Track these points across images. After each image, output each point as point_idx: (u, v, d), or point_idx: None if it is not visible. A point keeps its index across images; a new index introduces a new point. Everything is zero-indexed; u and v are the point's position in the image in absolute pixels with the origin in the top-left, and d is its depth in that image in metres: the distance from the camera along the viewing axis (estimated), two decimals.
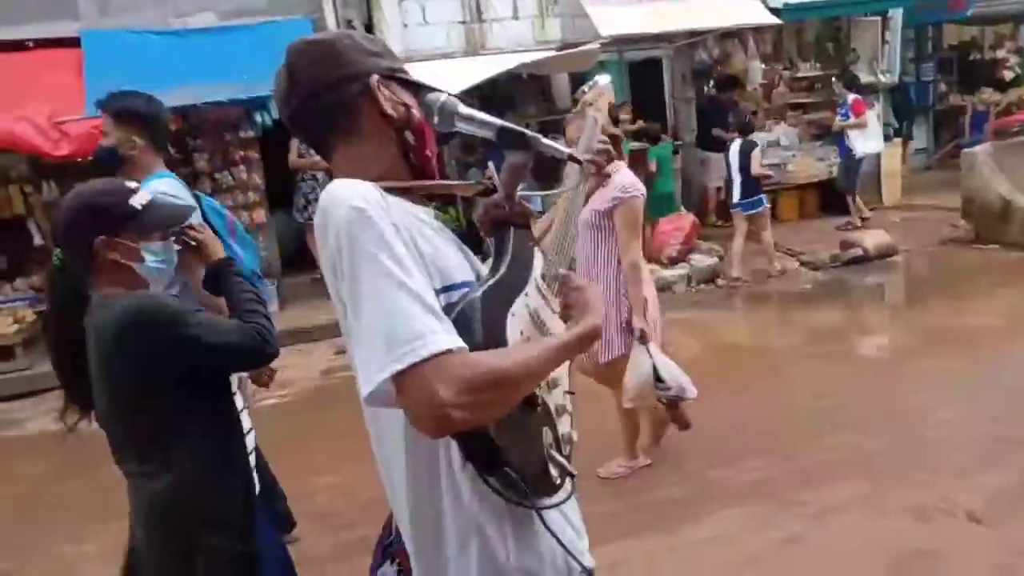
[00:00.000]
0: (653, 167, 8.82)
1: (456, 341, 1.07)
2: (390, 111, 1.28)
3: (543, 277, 1.32)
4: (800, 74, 11.00)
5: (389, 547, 1.42)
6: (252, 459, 2.13)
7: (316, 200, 7.63)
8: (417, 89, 1.32)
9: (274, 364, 2.01)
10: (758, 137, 7.98)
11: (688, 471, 4.06)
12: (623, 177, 3.62)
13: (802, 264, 8.40)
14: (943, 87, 13.19)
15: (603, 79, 1.76)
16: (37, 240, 7.86)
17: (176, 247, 2.14)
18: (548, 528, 1.21)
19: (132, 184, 2.05)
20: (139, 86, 2.97)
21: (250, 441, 2.16)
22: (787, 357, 5.96)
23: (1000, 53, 13.28)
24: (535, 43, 9.25)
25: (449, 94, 1.27)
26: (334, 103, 1.27)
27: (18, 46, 7.47)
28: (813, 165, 10.47)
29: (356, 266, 1.08)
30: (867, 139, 9.61)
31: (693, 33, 9.74)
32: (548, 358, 1.16)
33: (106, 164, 2.79)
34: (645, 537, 3.48)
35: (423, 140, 1.32)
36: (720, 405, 4.82)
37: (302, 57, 1.30)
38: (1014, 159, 8.43)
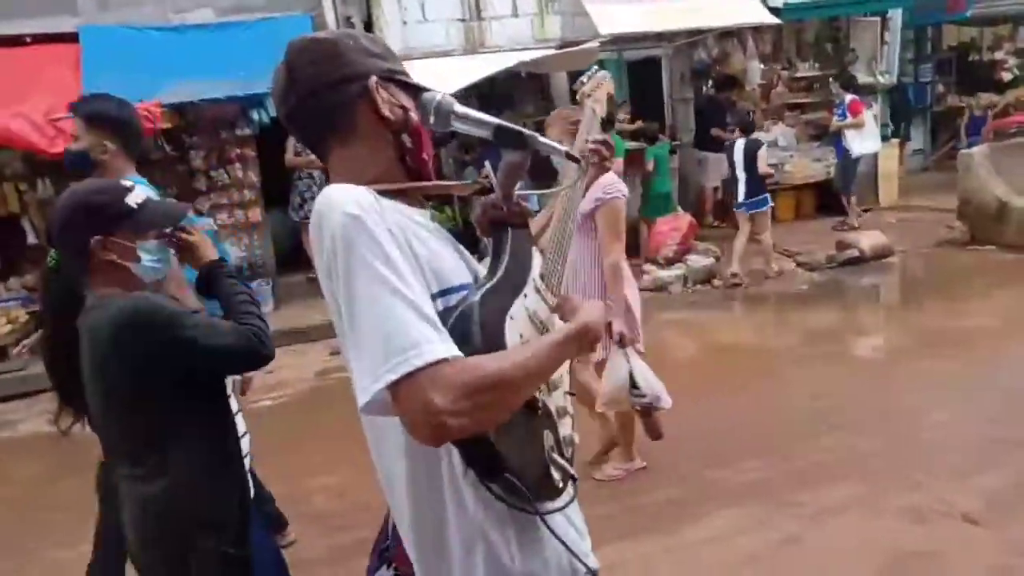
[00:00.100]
0: (650, 167, 8.82)
1: (452, 349, 1.06)
2: (387, 113, 1.27)
3: (542, 277, 1.31)
4: (799, 74, 11.01)
5: (385, 551, 1.41)
6: (247, 462, 2.12)
7: (312, 199, 7.63)
8: (416, 91, 1.31)
9: (269, 365, 1.99)
10: (742, 141, 8.01)
11: (684, 472, 4.05)
12: (605, 177, 3.55)
13: (798, 265, 8.41)
14: (941, 88, 13.21)
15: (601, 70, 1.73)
16: (31, 239, 7.80)
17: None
18: (552, 532, 1.21)
19: (127, 183, 2.03)
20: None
21: (245, 444, 2.14)
22: (783, 358, 5.96)
23: (999, 54, 13.30)
24: (534, 41, 9.24)
25: (444, 94, 1.25)
26: (333, 103, 1.26)
27: (16, 41, 7.45)
28: (810, 166, 10.48)
29: (351, 273, 1.08)
30: (864, 139, 9.62)
31: (693, 32, 9.74)
32: (545, 358, 1.15)
33: (76, 168, 2.75)
34: (641, 539, 3.48)
35: (420, 143, 1.31)
36: (716, 406, 4.83)
37: (303, 55, 1.29)
38: (1011, 160, 8.45)
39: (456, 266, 1.25)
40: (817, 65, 11.02)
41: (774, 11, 9.48)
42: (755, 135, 8.16)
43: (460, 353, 1.07)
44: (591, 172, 1.52)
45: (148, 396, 1.83)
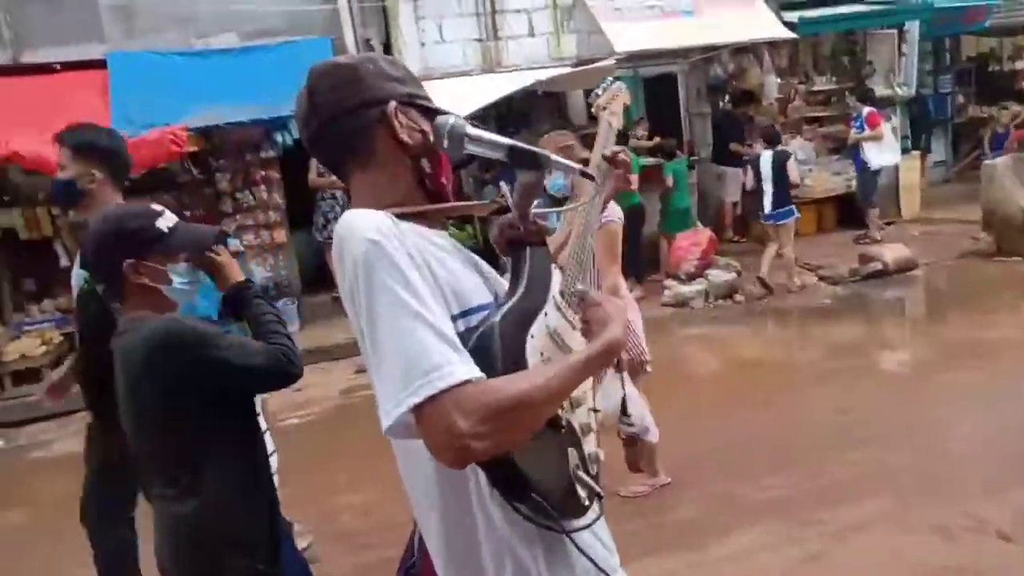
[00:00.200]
0: (669, 182, 8.83)
1: (474, 371, 1.07)
2: (406, 138, 1.28)
3: (562, 294, 1.30)
4: (816, 88, 10.98)
5: (411, 568, 1.42)
6: (276, 480, 2.14)
7: (335, 219, 7.71)
8: (435, 115, 1.31)
9: (296, 383, 2.02)
10: (769, 153, 8.01)
11: (709, 489, 4.03)
12: None
13: (821, 279, 8.35)
14: (961, 99, 13.09)
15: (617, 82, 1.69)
16: (64, 262, 7.93)
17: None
18: (580, 549, 1.22)
19: (158, 207, 2.06)
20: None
21: (274, 462, 2.17)
22: (807, 372, 5.92)
23: (1019, 64, 13.17)
24: (551, 60, 9.31)
25: (458, 116, 1.25)
26: (352, 129, 1.28)
27: (46, 69, 7.63)
28: (830, 179, 10.41)
29: (373, 299, 1.09)
30: (882, 151, 9.55)
31: (708, 48, 9.76)
32: (568, 378, 1.14)
33: (61, 199, 2.73)
34: (666, 555, 3.47)
35: (439, 167, 1.32)
36: (740, 421, 4.80)
37: (324, 80, 1.30)
38: None
39: (476, 286, 1.26)
40: (834, 79, 10.98)
41: (789, 25, 9.47)
42: (780, 147, 8.16)
43: (482, 374, 1.07)
44: (611, 185, 1.51)
45: (180, 416, 1.86)
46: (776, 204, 7.88)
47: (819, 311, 7.53)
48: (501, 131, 1.31)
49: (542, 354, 1.20)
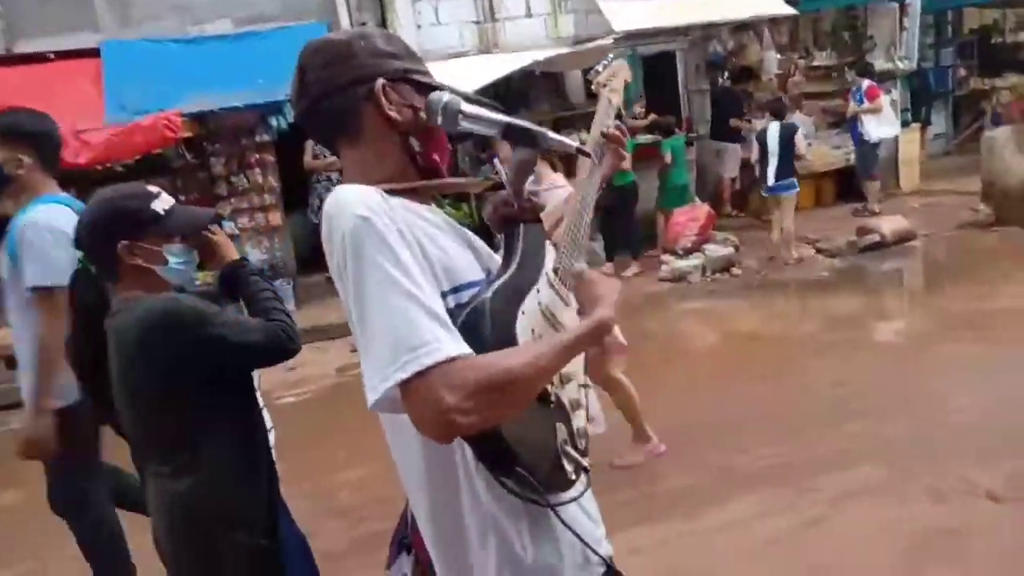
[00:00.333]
0: (667, 159, 8.82)
1: (462, 348, 1.07)
2: (395, 115, 1.26)
3: (555, 271, 1.29)
4: (816, 63, 10.91)
5: (405, 539, 1.43)
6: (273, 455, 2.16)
7: None
8: (430, 90, 1.28)
9: (291, 362, 2.04)
10: (776, 125, 8.01)
11: (704, 459, 4.06)
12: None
13: (819, 251, 8.36)
14: (963, 72, 12.99)
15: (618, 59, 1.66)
16: None
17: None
18: (564, 523, 1.23)
19: (153, 188, 2.05)
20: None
21: (271, 438, 2.20)
22: (804, 345, 5.94)
23: (1023, 36, 13.06)
24: (548, 40, 9.25)
25: (453, 92, 1.24)
26: (342, 106, 1.26)
27: (40, 58, 7.61)
28: (829, 153, 10.39)
29: (362, 275, 1.10)
30: (880, 124, 9.53)
31: (707, 26, 9.69)
32: (556, 355, 1.14)
33: None
34: (659, 524, 3.50)
35: (429, 143, 1.31)
36: (737, 394, 4.84)
37: (316, 56, 1.29)
38: None
39: (468, 263, 1.26)
40: (835, 53, 10.91)
41: (790, 1, 9.41)
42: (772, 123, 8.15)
43: (470, 351, 1.08)
44: (608, 161, 1.51)
45: (179, 395, 1.87)
46: (779, 176, 7.90)
47: (817, 284, 7.55)
48: (496, 111, 1.30)
49: (533, 331, 1.19)
